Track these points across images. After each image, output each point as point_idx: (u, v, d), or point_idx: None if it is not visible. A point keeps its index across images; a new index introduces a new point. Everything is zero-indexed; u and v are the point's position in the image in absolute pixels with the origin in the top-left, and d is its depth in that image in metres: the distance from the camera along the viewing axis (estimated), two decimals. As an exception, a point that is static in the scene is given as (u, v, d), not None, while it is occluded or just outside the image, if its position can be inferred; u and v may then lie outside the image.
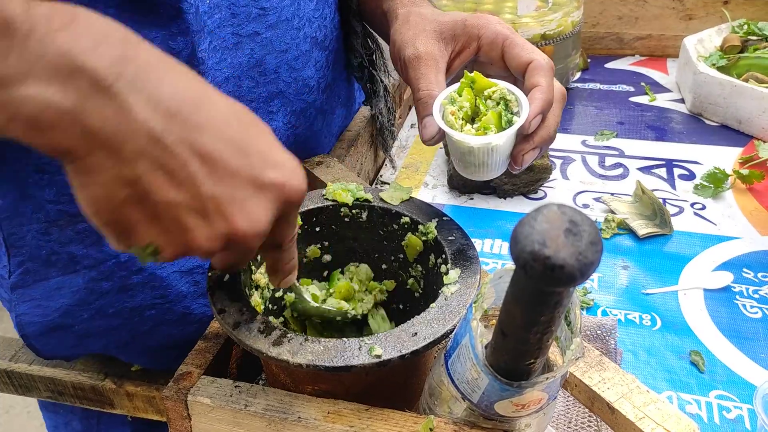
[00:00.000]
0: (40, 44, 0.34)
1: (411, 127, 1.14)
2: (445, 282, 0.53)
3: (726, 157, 1.01)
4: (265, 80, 0.67)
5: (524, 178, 0.93)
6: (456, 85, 0.59)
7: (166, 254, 0.39)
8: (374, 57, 0.84)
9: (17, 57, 0.33)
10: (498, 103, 0.58)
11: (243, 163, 0.39)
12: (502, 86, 0.58)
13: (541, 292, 0.34)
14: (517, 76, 0.61)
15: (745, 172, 0.93)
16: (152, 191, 0.37)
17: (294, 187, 0.42)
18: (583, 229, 0.31)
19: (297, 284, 0.57)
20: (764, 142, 1.01)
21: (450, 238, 0.57)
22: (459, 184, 0.96)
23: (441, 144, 1.06)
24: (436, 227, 0.58)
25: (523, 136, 0.58)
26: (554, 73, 0.60)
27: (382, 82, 0.86)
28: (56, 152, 0.36)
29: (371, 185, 0.98)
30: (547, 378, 0.42)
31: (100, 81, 0.35)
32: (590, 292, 0.78)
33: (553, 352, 0.48)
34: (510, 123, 0.57)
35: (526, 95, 0.57)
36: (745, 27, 1.18)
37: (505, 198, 0.95)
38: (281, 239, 0.46)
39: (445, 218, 0.59)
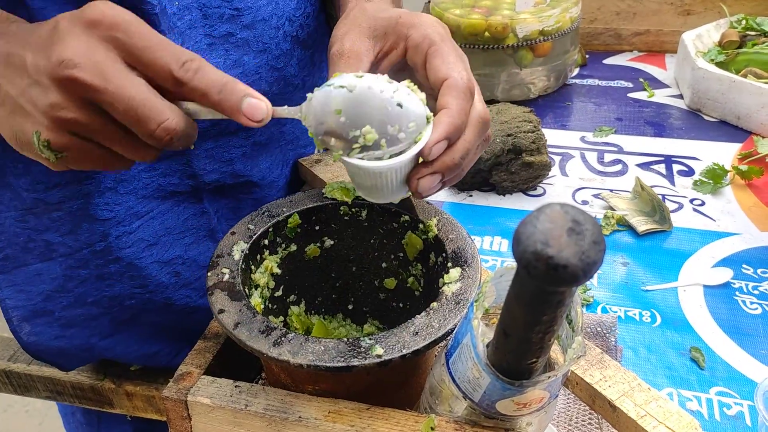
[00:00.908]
0: None
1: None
2: (445, 281, 0.53)
3: (725, 153, 1.01)
4: (246, 81, 0.66)
5: (523, 175, 0.93)
6: None
7: (44, 134, 0.44)
8: None
9: None
10: None
11: (49, 31, 0.44)
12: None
13: (544, 291, 0.33)
14: (434, 92, 0.53)
15: (744, 167, 0.93)
16: (9, 91, 0.45)
17: (90, 11, 0.44)
18: (586, 228, 0.31)
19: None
20: (763, 137, 1.01)
21: (450, 236, 0.57)
22: (458, 182, 0.96)
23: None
24: (436, 225, 0.58)
25: (423, 161, 0.51)
26: (473, 96, 0.52)
27: None
28: None
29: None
30: (549, 377, 0.42)
31: None
32: (590, 289, 0.77)
33: (555, 351, 0.48)
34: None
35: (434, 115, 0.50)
36: (744, 22, 1.18)
37: (504, 195, 0.95)
38: (163, 68, 0.44)
39: (445, 216, 0.59)
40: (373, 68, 0.56)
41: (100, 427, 0.84)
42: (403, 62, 0.57)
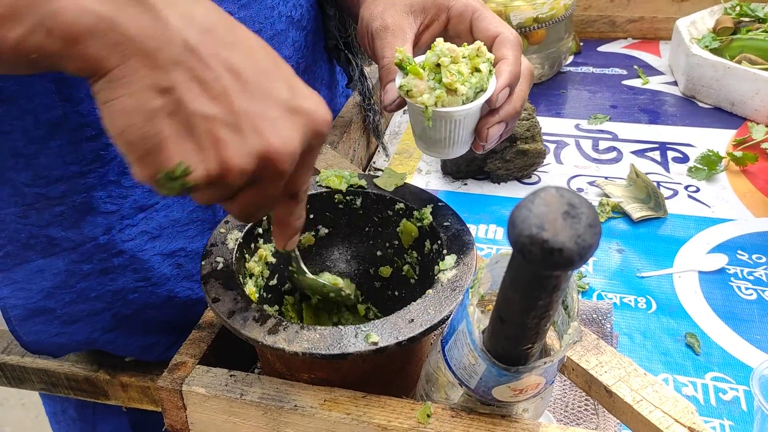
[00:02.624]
0: None
1: (403, 113, 1.13)
2: (441, 267, 0.52)
3: (719, 140, 1.01)
4: None
5: (518, 162, 0.93)
6: (423, 57, 0.57)
7: (197, 174, 0.37)
8: (350, 40, 0.82)
9: None
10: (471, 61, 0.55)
11: (275, 86, 0.39)
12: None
13: (539, 276, 0.33)
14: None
15: (738, 154, 0.93)
16: (186, 101, 0.36)
17: (321, 116, 0.41)
18: (582, 211, 0.31)
19: (297, 252, 0.56)
20: (757, 123, 1.01)
21: (445, 223, 0.57)
22: (453, 170, 0.96)
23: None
24: (431, 213, 0.58)
25: (488, 110, 0.57)
26: (521, 50, 0.59)
27: (358, 66, 0.85)
28: (89, 64, 0.36)
29: (364, 172, 0.97)
30: (545, 363, 0.42)
31: None
32: (585, 276, 0.77)
33: (550, 337, 0.47)
34: (475, 96, 0.55)
35: (494, 68, 0.56)
36: (738, 8, 1.18)
37: (499, 183, 0.95)
38: (299, 184, 0.44)
39: (440, 204, 0.59)
40: (416, 40, 0.62)
41: (95, 420, 0.83)
42: (443, 33, 0.62)
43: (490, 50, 0.57)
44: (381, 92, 0.60)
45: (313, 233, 0.62)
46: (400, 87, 0.56)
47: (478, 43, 0.56)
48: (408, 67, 0.56)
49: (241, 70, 0.38)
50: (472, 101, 0.55)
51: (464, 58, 0.55)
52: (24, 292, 0.65)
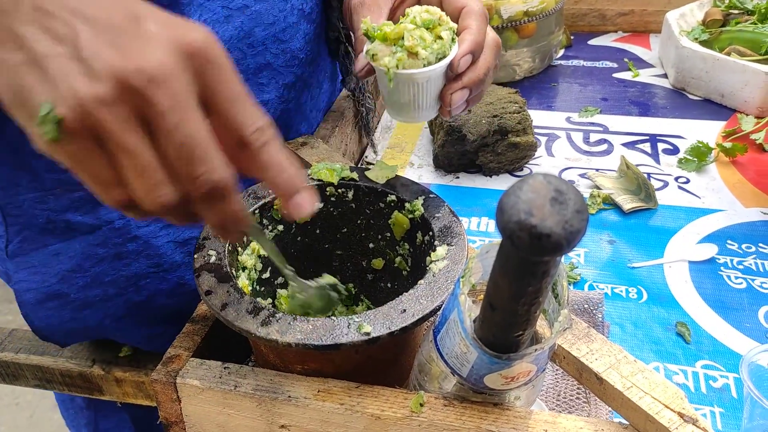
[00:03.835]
0: None
1: (395, 108, 1.14)
2: (432, 258, 0.53)
3: (709, 131, 1.01)
4: (252, 52, 0.68)
5: (509, 155, 0.93)
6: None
7: (60, 110, 0.37)
8: (350, 33, 0.83)
9: None
10: (428, 27, 0.58)
11: (126, 20, 0.38)
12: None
13: (528, 262, 0.34)
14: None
15: (728, 145, 0.94)
16: (36, 48, 0.37)
17: (193, 36, 0.38)
18: (569, 197, 0.31)
19: (292, 270, 0.54)
20: (747, 115, 1.02)
21: (437, 215, 0.57)
22: (444, 163, 0.96)
23: (426, 124, 1.06)
24: (422, 205, 0.58)
25: (452, 76, 0.59)
26: (488, 22, 0.61)
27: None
28: None
29: (356, 166, 0.98)
30: (536, 349, 0.42)
31: None
32: (577, 267, 0.78)
33: (541, 325, 0.48)
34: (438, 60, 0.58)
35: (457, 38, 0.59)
36: (727, 0, 1.18)
37: (490, 176, 0.95)
38: (236, 124, 0.40)
39: (431, 195, 0.59)
40: (392, 14, 0.64)
41: (97, 416, 0.84)
42: (416, 4, 0.64)
43: (456, 22, 0.60)
44: (354, 62, 0.63)
45: (306, 225, 0.62)
46: (366, 52, 0.59)
47: (439, 12, 0.58)
48: (373, 35, 0.59)
49: (88, 12, 0.38)
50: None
51: (427, 28, 0.58)
52: (40, 276, 0.65)
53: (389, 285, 0.64)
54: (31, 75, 0.38)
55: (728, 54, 1.07)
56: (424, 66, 0.57)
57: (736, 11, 1.16)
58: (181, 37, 0.38)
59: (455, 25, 0.59)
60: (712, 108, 1.07)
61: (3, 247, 0.65)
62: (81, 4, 0.39)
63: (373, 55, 0.58)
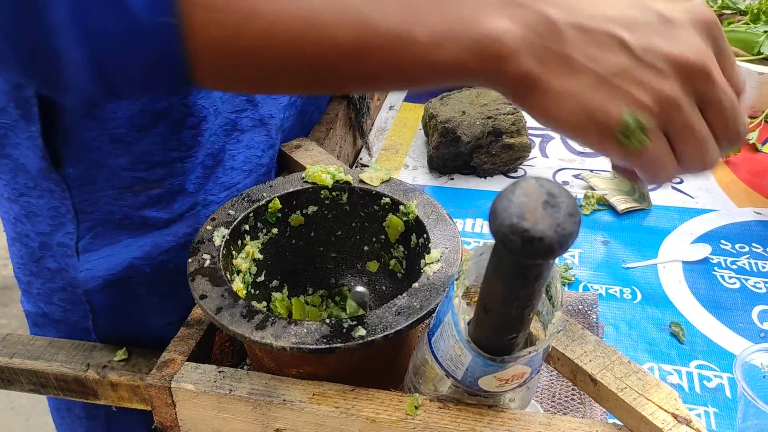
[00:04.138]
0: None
1: (390, 110, 1.14)
2: (426, 261, 0.53)
3: (702, 131, 1.01)
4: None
5: (504, 156, 0.93)
6: None
7: (647, 113, 0.41)
8: None
9: (473, 9, 0.41)
10: None
11: (646, 12, 0.42)
12: None
13: (521, 265, 0.34)
14: None
15: (721, 145, 0.94)
16: (598, 70, 0.41)
17: (700, 10, 0.43)
18: (561, 200, 0.31)
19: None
20: (740, 115, 1.02)
21: (431, 217, 0.57)
22: (439, 165, 0.96)
23: (420, 125, 1.06)
24: (416, 207, 0.58)
25: None
26: None
27: None
28: (515, 78, 0.41)
29: (351, 168, 0.98)
30: (530, 352, 0.42)
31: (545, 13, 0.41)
32: (571, 268, 0.78)
33: (536, 327, 0.48)
34: None
35: None
36: (720, 1, 1.19)
37: (485, 177, 0.95)
38: (733, 76, 0.43)
39: (425, 197, 0.59)
40: None
41: (109, 421, 0.83)
42: None
43: None
44: None
45: (302, 228, 0.62)
46: None
47: None
48: None
49: (617, 18, 0.42)
50: None
51: None
52: (107, 263, 0.66)
53: (384, 288, 0.64)
54: (600, 93, 0.41)
55: (721, 54, 1.07)
56: None
57: (728, 11, 1.17)
58: (694, 15, 0.42)
59: None
60: (705, 108, 1.07)
61: (73, 244, 0.65)
62: (607, 11, 0.42)
63: None
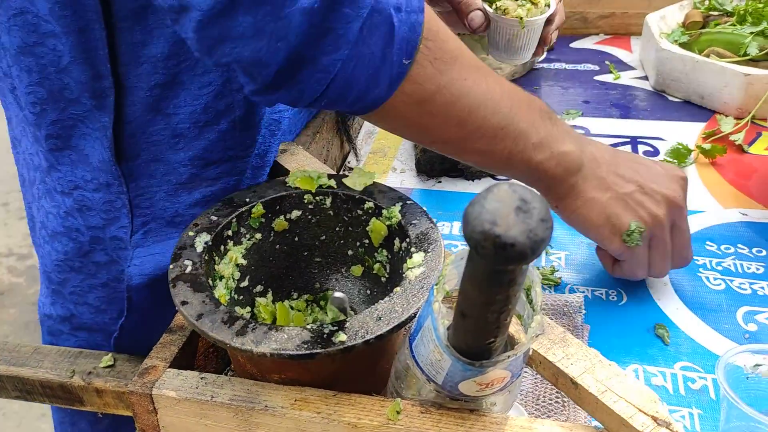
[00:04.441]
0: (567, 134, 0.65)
1: (378, 112, 1.14)
2: (408, 265, 0.53)
3: (689, 132, 1.02)
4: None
5: (491, 159, 0.93)
6: None
7: (644, 224, 0.66)
8: None
9: (560, 133, 0.64)
10: None
11: (650, 168, 0.68)
12: None
13: (495, 271, 0.34)
14: None
15: (707, 146, 0.94)
16: (620, 192, 0.66)
17: (682, 172, 0.70)
18: (534, 206, 0.31)
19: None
20: (726, 116, 1.03)
21: (414, 221, 0.57)
22: (426, 168, 0.96)
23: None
24: (399, 211, 0.58)
25: (546, 21, 0.85)
26: None
27: None
28: (568, 187, 0.64)
29: (338, 171, 0.98)
30: (509, 356, 0.42)
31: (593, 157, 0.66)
32: (558, 271, 0.78)
33: (518, 331, 0.48)
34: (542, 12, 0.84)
35: None
36: (707, 2, 1.19)
37: (473, 180, 0.95)
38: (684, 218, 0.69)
39: (408, 202, 0.59)
40: None
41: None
42: None
43: None
44: (465, 20, 0.83)
45: (286, 233, 0.62)
46: (496, 9, 0.82)
47: None
48: None
49: (637, 167, 0.67)
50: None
51: None
52: (154, 261, 0.67)
53: (369, 292, 0.64)
54: (617, 206, 0.65)
55: (707, 56, 1.07)
56: (541, 13, 0.82)
57: (716, 13, 1.17)
58: (677, 173, 0.69)
59: None
60: (692, 109, 1.08)
61: (127, 238, 0.66)
62: (633, 165, 0.67)
63: (504, 10, 0.81)
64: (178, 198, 0.65)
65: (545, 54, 0.83)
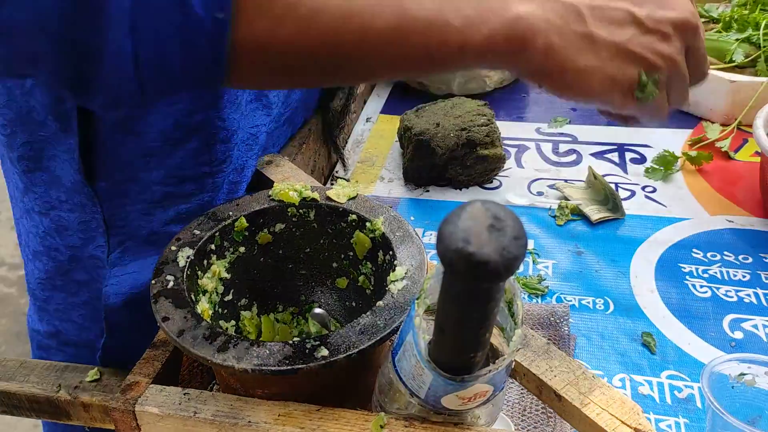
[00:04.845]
0: None
1: (366, 122, 1.14)
2: (391, 279, 0.53)
3: (676, 140, 1.02)
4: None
5: (478, 168, 0.94)
6: None
7: (656, 71, 0.49)
8: None
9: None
10: None
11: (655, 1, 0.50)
12: None
13: (470, 289, 0.34)
14: None
15: (693, 153, 0.95)
16: (614, 40, 0.48)
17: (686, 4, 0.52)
18: (507, 224, 0.31)
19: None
20: (712, 122, 1.03)
21: (397, 233, 0.57)
22: (414, 177, 0.96)
23: (396, 137, 1.06)
24: (383, 224, 0.58)
25: None
26: None
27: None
28: (544, 58, 0.46)
29: (326, 182, 0.98)
30: (490, 371, 0.42)
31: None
32: (545, 279, 0.78)
33: (501, 343, 0.48)
34: None
35: None
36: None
37: (460, 189, 0.95)
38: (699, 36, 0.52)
39: (392, 214, 0.59)
40: None
41: None
42: None
43: None
44: None
45: (270, 247, 0.62)
46: None
47: None
48: None
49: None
50: None
51: None
52: (131, 280, 0.66)
53: (354, 304, 0.64)
54: (619, 61, 0.48)
55: (693, 62, 1.08)
56: None
57: (702, 19, 1.18)
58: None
59: None
60: (679, 116, 1.08)
61: (104, 257, 0.66)
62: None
63: None
64: (153, 216, 0.64)
65: None
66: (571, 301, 0.75)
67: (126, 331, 0.69)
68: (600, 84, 0.48)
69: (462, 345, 0.39)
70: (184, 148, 0.62)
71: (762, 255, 0.79)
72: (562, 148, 1.03)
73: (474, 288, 0.34)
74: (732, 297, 0.74)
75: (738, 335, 0.69)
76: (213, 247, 0.58)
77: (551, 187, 0.94)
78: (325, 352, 0.47)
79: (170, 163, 0.62)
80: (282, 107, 0.78)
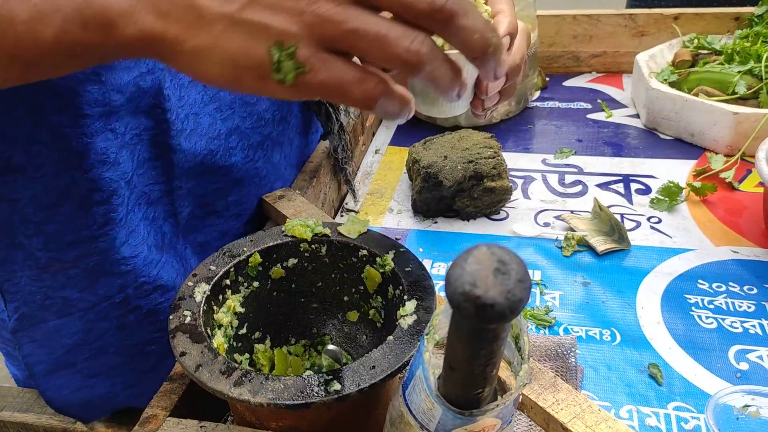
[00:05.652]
0: None
1: (375, 153, 1.16)
2: (401, 313, 0.54)
3: (680, 170, 1.04)
4: (221, 116, 0.69)
5: (485, 200, 0.95)
6: None
7: (295, 40, 0.37)
8: None
9: None
10: None
11: None
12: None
13: (477, 329, 0.35)
14: None
15: (698, 184, 0.96)
16: (224, 10, 0.38)
17: None
18: (512, 267, 0.33)
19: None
20: (716, 153, 1.05)
21: (407, 269, 0.59)
22: (423, 209, 0.98)
23: (405, 169, 1.08)
24: (393, 259, 0.60)
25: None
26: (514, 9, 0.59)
27: (337, 120, 0.88)
28: (143, 43, 0.39)
29: (336, 214, 1.00)
30: (497, 405, 0.43)
31: None
32: (552, 311, 0.80)
33: (508, 377, 0.49)
34: None
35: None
36: (696, 41, 1.22)
37: (468, 220, 0.97)
38: None
39: (401, 249, 0.61)
40: None
41: None
42: None
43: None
44: None
45: (283, 281, 0.64)
46: None
47: None
48: None
49: None
50: None
51: None
52: (45, 349, 0.66)
53: (365, 337, 0.65)
54: (236, 36, 0.38)
55: (696, 94, 1.10)
56: None
57: (704, 51, 1.20)
58: None
59: (490, 9, 0.58)
60: (683, 147, 1.10)
61: (7, 320, 0.66)
62: None
63: None
64: (43, 282, 0.62)
65: (485, 108, 0.59)
66: (578, 332, 0.76)
67: (68, 391, 0.69)
68: (218, 68, 0.39)
69: (470, 381, 0.41)
70: (58, 213, 0.59)
71: (766, 286, 0.80)
72: (568, 179, 1.05)
73: (481, 329, 0.35)
74: (737, 328, 0.75)
75: (743, 366, 0.70)
76: (228, 282, 0.60)
77: (557, 218, 0.96)
78: (337, 386, 0.48)
79: (48, 229, 0.60)
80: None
